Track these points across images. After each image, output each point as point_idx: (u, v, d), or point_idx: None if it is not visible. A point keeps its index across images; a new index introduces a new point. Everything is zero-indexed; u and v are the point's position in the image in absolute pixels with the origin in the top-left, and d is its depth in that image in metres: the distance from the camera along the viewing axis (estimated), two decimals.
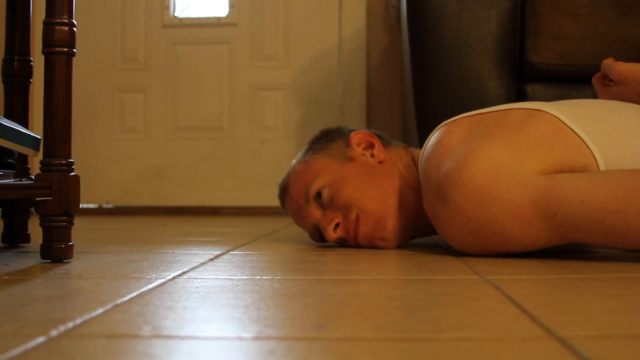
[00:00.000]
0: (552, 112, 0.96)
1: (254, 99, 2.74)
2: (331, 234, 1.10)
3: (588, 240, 0.89)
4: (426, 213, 1.04)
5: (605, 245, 0.89)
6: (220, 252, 1.09)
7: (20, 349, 0.46)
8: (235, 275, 0.82)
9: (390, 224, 1.09)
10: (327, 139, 1.20)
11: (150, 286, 0.73)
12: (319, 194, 1.11)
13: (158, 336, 0.50)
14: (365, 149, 1.17)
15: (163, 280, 0.77)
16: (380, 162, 1.15)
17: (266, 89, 2.74)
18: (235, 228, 1.77)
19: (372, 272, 0.86)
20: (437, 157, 0.99)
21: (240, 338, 0.50)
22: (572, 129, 0.93)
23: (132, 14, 2.76)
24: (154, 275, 0.81)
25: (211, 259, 0.98)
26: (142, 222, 2.10)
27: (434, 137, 1.04)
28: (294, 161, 1.21)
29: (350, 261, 0.98)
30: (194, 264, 0.92)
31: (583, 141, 0.93)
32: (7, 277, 0.81)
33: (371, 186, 1.10)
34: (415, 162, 1.16)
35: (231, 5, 2.75)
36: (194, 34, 2.76)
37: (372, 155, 1.16)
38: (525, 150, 0.92)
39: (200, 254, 1.05)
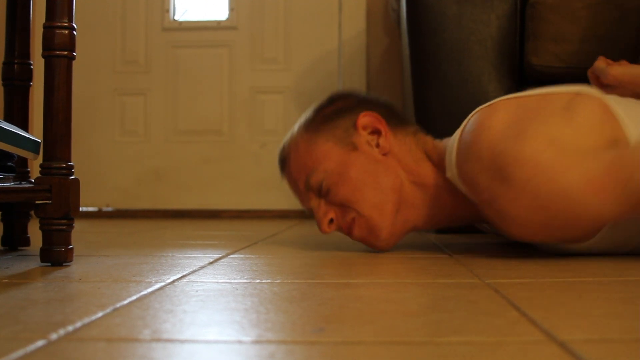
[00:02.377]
0: (594, 94, 0.97)
1: (254, 102, 2.75)
2: (325, 227, 1.09)
3: None
4: (473, 200, 1.00)
5: None
6: (220, 255, 1.09)
7: (20, 352, 0.46)
8: (235, 279, 0.82)
9: (384, 233, 1.07)
10: (333, 111, 1.13)
11: (150, 290, 0.73)
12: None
13: (158, 340, 0.50)
14: (371, 133, 1.11)
15: (163, 283, 0.77)
16: (385, 154, 1.10)
17: (266, 92, 2.74)
18: (235, 231, 1.77)
19: (371, 276, 0.86)
20: (487, 140, 0.95)
21: (240, 342, 0.50)
22: (613, 111, 0.95)
23: (132, 18, 2.77)
24: (153, 279, 0.81)
25: (211, 263, 0.98)
26: (142, 225, 2.09)
27: (471, 122, 1.00)
28: (295, 126, 1.15)
29: (350, 264, 0.98)
30: (194, 268, 0.92)
31: (623, 122, 0.94)
32: (7, 280, 0.81)
33: (370, 188, 1.07)
34: (428, 154, 1.11)
35: (231, 9, 2.76)
36: (194, 37, 2.76)
37: (378, 145, 1.10)
38: (579, 128, 0.93)
39: (200, 258, 1.05)
